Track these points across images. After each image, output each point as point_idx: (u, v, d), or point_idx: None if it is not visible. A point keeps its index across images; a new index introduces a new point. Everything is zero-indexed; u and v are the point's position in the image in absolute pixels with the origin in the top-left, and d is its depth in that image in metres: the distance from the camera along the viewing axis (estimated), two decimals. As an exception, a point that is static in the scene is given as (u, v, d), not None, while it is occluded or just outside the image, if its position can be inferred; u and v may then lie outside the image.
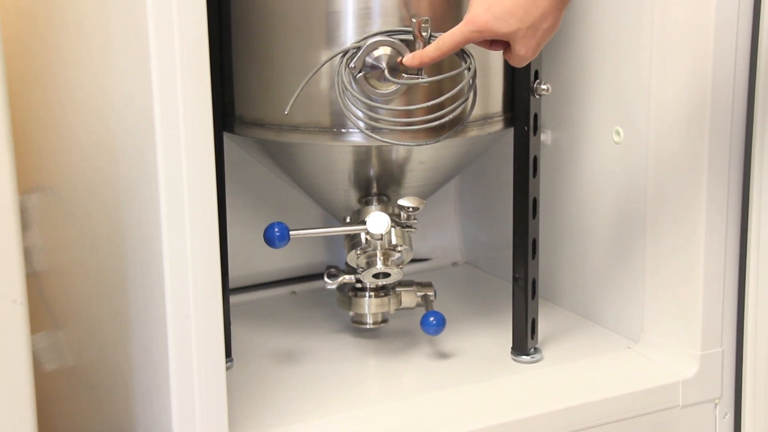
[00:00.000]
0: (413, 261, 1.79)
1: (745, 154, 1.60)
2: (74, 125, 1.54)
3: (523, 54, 1.37)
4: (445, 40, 1.41)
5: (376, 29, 1.52)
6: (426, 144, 1.56)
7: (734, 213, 1.62)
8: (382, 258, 1.63)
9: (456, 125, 1.56)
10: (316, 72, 1.52)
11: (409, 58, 1.46)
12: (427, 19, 1.50)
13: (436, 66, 1.50)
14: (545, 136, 1.81)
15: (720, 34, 1.55)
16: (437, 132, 1.56)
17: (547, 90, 1.63)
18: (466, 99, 1.54)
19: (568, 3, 1.35)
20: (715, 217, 1.61)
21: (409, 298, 1.75)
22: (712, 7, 1.54)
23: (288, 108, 1.51)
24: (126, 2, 1.38)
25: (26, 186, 1.63)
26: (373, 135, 1.53)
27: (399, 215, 1.65)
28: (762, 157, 1.58)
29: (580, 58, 1.75)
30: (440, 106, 1.53)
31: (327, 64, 1.53)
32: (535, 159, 1.65)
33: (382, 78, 1.52)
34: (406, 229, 1.65)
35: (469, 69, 1.52)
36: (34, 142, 1.62)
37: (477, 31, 1.37)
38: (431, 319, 1.68)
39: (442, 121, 1.53)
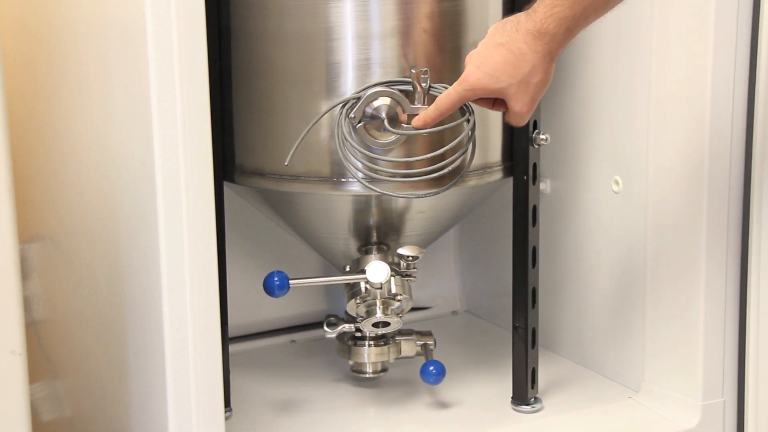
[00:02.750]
0: (413, 309, 1.78)
1: (744, 200, 1.60)
2: (75, 175, 1.54)
3: (518, 110, 1.39)
4: (442, 101, 1.43)
5: (375, 80, 1.53)
6: (425, 195, 1.56)
7: (734, 262, 1.62)
8: (381, 307, 1.63)
9: (456, 176, 1.57)
10: (316, 122, 1.53)
11: (415, 121, 1.48)
12: (426, 70, 1.51)
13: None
14: (544, 185, 1.82)
15: (717, 86, 1.56)
16: (437, 183, 1.56)
17: (546, 140, 1.64)
18: (465, 150, 1.55)
19: (556, 57, 1.37)
20: (716, 265, 1.61)
21: (408, 347, 1.75)
22: (709, 59, 1.55)
23: (288, 159, 1.52)
24: (128, 54, 1.38)
25: (26, 235, 1.64)
26: (371, 186, 1.54)
27: (398, 264, 1.65)
28: (761, 204, 1.58)
29: (578, 108, 1.75)
30: (440, 158, 1.53)
31: (327, 113, 1.53)
32: (535, 208, 1.65)
33: (381, 128, 1.52)
34: (406, 278, 1.65)
35: (468, 120, 1.52)
36: (34, 191, 1.63)
37: (470, 90, 1.40)
38: (431, 368, 1.68)
39: (442, 172, 1.54)
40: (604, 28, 1.67)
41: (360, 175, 1.54)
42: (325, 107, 1.54)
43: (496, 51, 1.37)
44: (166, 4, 1.35)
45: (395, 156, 1.54)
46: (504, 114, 1.43)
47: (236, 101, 1.61)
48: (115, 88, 1.43)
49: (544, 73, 1.37)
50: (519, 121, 1.42)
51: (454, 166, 1.54)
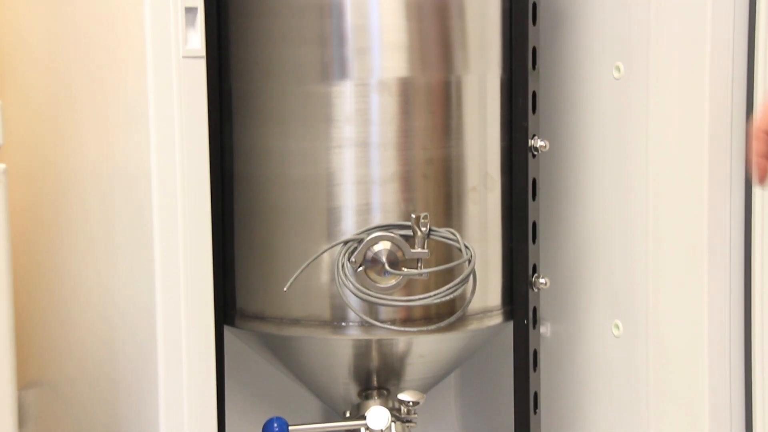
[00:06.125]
0: (414, 456, 1.76)
1: (745, 350, 1.60)
2: (76, 321, 1.54)
3: None
4: None
5: (376, 224, 1.54)
6: (428, 331, 1.56)
7: (738, 404, 1.61)
8: (382, 453, 1.61)
9: (455, 313, 1.57)
10: (317, 257, 1.54)
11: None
12: (426, 215, 1.52)
13: (435, 259, 1.52)
14: (545, 329, 1.82)
15: (714, 232, 1.57)
16: (436, 320, 1.56)
17: (546, 284, 1.65)
18: (465, 284, 1.55)
19: None
20: (719, 413, 1.59)
21: (410, 494, 1.72)
22: (704, 201, 1.57)
23: (287, 286, 1.52)
24: (132, 201, 1.40)
25: (25, 381, 1.63)
26: (373, 322, 1.54)
27: (399, 409, 1.63)
28: (763, 354, 1.58)
29: (576, 250, 1.76)
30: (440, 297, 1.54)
31: (327, 255, 1.54)
32: (535, 352, 1.65)
33: (382, 272, 1.53)
34: (407, 424, 1.63)
35: (469, 261, 1.53)
36: (35, 336, 1.62)
37: None
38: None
39: (445, 321, 1.54)
40: (597, 168, 1.70)
41: (360, 318, 1.54)
42: (325, 252, 1.55)
43: None
44: (171, 153, 1.37)
45: (396, 296, 1.55)
46: None
47: (238, 245, 1.62)
48: (118, 233, 1.44)
49: None
50: None
51: (454, 295, 1.54)
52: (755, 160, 1.28)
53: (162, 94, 1.40)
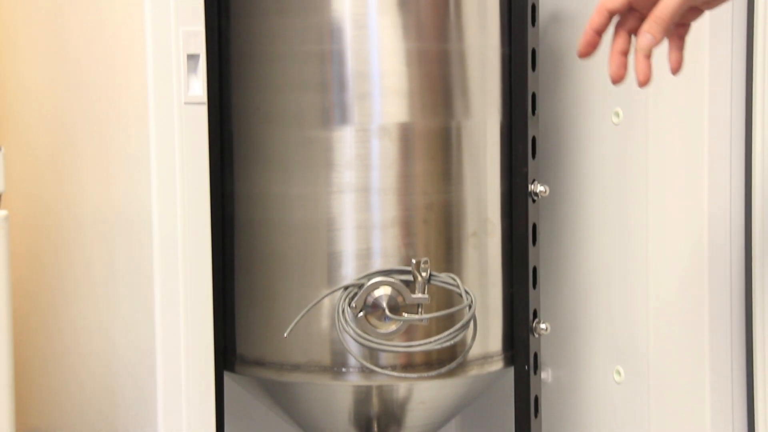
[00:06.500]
0: (415, 503, 1.75)
1: (747, 395, 1.60)
2: (77, 367, 1.54)
3: None
4: (662, 9, 1.26)
5: (376, 269, 1.54)
6: (427, 376, 1.56)
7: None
8: (383, 501, 1.60)
9: (456, 359, 1.57)
10: (317, 303, 1.54)
11: (642, 36, 1.28)
12: (426, 260, 1.52)
13: (436, 304, 1.52)
14: (546, 375, 1.81)
15: (714, 277, 1.57)
16: (437, 366, 1.56)
17: (546, 329, 1.65)
18: (466, 330, 1.55)
19: None
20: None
21: None
22: (705, 246, 1.57)
23: (288, 331, 1.52)
24: (133, 246, 1.40)
25: (24, 428, 1.62)
26: (373, 368, 1.53)
27: (400, 456, 1.63)
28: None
29: (577, 295, 1.76)
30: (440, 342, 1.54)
31: (328, 300, 1.54)
32: (536, 398, 1.64)
33: (382, 317, 1.53)
34: (408, 470, 1.63)
35: (469, 307, 1.53)
36: (35, 383, 1.62)
37: None
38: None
39: (446, 367, 1.54)
40: (597, 213, 1.70)
41: (360, 364, 1.54)
42: (326, 297, 1.55)
43: None
44: (172, 198, 1.37)
45: (397, 342, 1.54)
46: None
47: (238, 290, 1.62)
48: (119, 278, 1.44)
49: None
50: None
51: (455, 341, 1.54)
52: (611, 56, 1.28)
53: (163, 139, 1.40)
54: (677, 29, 1.31)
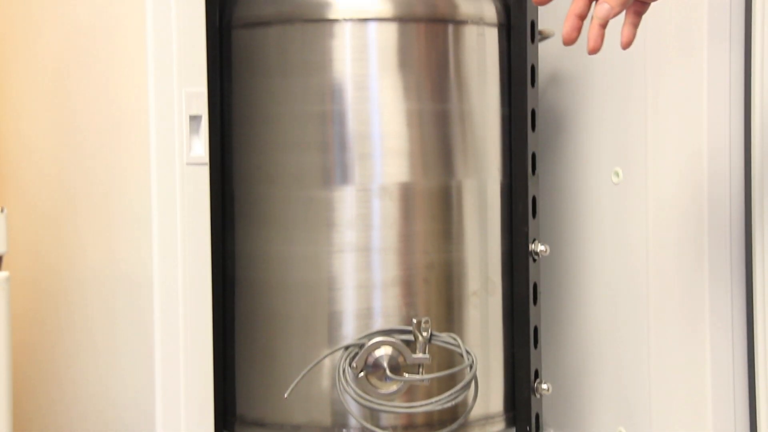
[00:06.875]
0: None
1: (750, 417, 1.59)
2: (77, 427, 1.53)
3: None
4: None
5: (377, 328, 1.54)
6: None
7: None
8: None
9: (457, 420, 1.56)
10: (318, 363, 1.53)
11: (598, 13, 1.31)
12: (427, 320, 1.52)
13: (437, 364, 1.51)
14: (548, 435, 1.80)
15: (716, 339, 1.57)
16: (439, 426, 1.55)
17: (548, 389, 1.64)
18: (467, 390, 1.54)
19: None
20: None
21: None
22: (706, 306, 1.57)
23: (288, 392, 1.52)
24: (134, 305, 1.40)
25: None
26: (374, 429, 1.53)
27: None
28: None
29: (579, 356, 1.76)
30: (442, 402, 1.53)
31: (328, 360, 1.54)
32: (539, 459, 1.64)
33: (383, 377, 1.53)
34: None
35: (470, 367, 1.53)
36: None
37: None
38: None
39: (447, 428, 1.53)
40: (598, 272, 1.70)
41: (361, 425, 1.53)
42: (326, 357, 1.55)
43: None
44: (174, 258, 1.38)
45: (398, 402, 1.54)
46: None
47: (238, 350, 1.61)
48: (120, 339, 1.44)
49: None
50: None
51: (456, 402, 1.53)
52: (567, 17, 1.29)
53: (165, 200, 1.41)
54: (635, 5, 1.34)
